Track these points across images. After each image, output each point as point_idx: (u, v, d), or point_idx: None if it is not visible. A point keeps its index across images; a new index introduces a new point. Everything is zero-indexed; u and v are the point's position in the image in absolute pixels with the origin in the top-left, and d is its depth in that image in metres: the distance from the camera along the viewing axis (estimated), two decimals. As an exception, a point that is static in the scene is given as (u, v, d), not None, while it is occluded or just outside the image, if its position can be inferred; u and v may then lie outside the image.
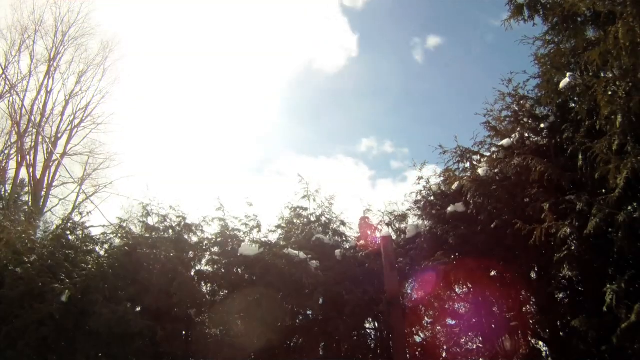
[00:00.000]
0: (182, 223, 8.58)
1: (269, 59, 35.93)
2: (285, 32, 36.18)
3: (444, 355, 7.87)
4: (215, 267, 8.36)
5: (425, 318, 8.17)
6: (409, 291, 8.36)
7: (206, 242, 8.54)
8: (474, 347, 7.75)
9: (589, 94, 5.73)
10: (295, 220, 9.28)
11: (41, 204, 18.25)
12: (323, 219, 9.26)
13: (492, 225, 6.60)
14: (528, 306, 7.61)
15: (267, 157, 36.02)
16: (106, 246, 8.70)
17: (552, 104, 6.97)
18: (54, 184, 19.25)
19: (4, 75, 19.32)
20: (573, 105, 6.66)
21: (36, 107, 19.83)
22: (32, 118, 19.44)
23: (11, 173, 18.85)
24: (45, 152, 19.37)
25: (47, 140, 19.44)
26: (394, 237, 8.18)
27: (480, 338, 7.62)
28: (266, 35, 34.81)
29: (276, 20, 34.85)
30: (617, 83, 5.34)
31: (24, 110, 19.28)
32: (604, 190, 5.80)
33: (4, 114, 19.31)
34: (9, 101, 19.29)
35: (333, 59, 34.66)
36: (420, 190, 8.51)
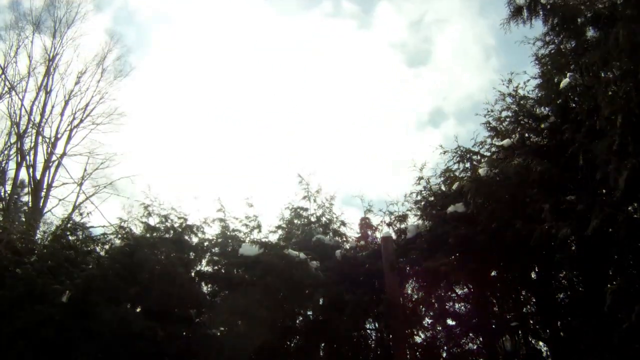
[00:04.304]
0: (184, 224, 8.58)
1: (271, 55, 35.91)
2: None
3: (444, 355, 7.87)
4: (216, 267, 8.36)
5: (426, 318, 8.18)
6: (409, 291, 8.37)
7: (207, 242, 8.54)
8: (474, 347, 7.76)
9: (590, 95, 5.75)
10: (295, 221, 9.29)
11: (41, 204, 18.24)
12: (323, 219, 9.27)
13: (493, 226, 6.60)
14: (528, 306, 7.62)
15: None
16: (107, 247, 8.71)
17: (553, 104, 6.98)
18: (53, 185, 19.25)
19: (3, 76, 19.37)
20: (573, 105, 6.67)
21: (35, 107, 19.87)
22: (32, 118, 19.47)
23: (11, 173, 18.88)
24: (45, 153, 19.38)
25: (47, 141, 19.45)
26: (394, 238, 8.18)
27: (481, 338, 7.63)
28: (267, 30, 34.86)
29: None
30: (618, 84, 5.34)
31: (23, 110, 19.30)
32: (604, 191, 5.81)
33: (3, 115, 19.34)
34: (8, 101, 19.33)
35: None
36: (421, 191, 8.53)
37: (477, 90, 38.96)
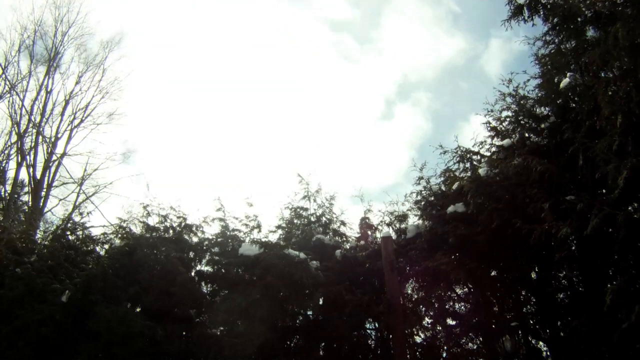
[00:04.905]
0: (183, 223, 8.58)
1: (271, 53, 35.85)
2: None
3: (444, 355, 7.87)
4: (216, 267, 8.35)
5: (426, 318, 8.18)
6: (409, 291, 8.38)
7: (206, 242, 8.54)
8: (474, 347, 7.76)
9: (590, 94, 5.75)
10: (295, 221, 9.29)
11: (41, 204, 18.23)
12: (323, 219, 9.27)
13: (492, 226, 6.60)
14: (528, 306, 7.62)
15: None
16: (106, 246, 8.71)
17: (553, 104, 6.99)
18: (54, 184, 19.23)
19: (3, 76, 19.35)
20: (573, 105, 6.67)
21: (36, 107, 19.83)
22: (32, 118, 19.44)
23: (11, 173, 18.84)
24: (45, 152, 19.36)
25: (47, 141, 19.43)
26: (394, 237, 8.18)
27: (480, 338, 7.63)
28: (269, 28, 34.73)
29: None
30: (618, 83, 5.34)
31: (23, 110, 19.30)
32: (604, 190, 5.81)
33: (3, 114, 19.36)
34: (8, 101, 19.29)
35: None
36: (421, 191, 8.54)
37: (450, 56, 37.06)
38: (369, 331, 8.23)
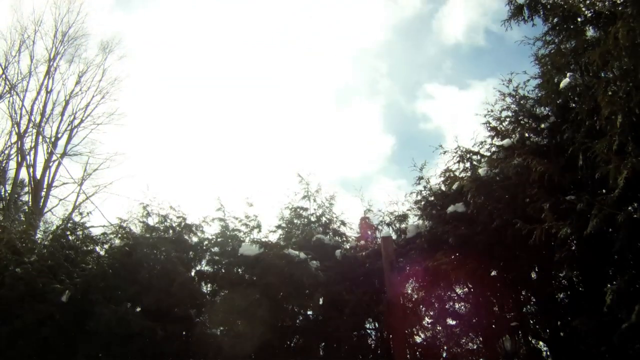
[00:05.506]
0: (183, 223, 8.60)
1: (272, 50, 35.74)
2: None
3: (444, 355, 7.88)
4: (216, 267, 8.37)
5: (426, 318, 8.18)
6: (409, 291, 8.37)
7: (206, 242, 8.55)
8: (474, 347, 7.76)
9: (590, 94, 5.74)
10: (295, 221, 9.30)
11: (41, 204, 18.22)
12: (323, 219, 9.28)
13: (493, 225, 6.60)
14: (528, 306, 7.63)
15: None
16: (106, 246, 8.73)
17: (553, 104, 6.98)
18: (54, 184, 19.22)
19: (3, 76, 19.33)
20: (573, 105, 6.67)
21: (36, 107, 19.82)
22: (32, 118, 19.42)
23: (11, 173, 18.84)
24: (45, 152, 19.35)
25: (47, 141, 19.42)
26: (394, 237, 8.19)
27: (481, 338, 7.63)
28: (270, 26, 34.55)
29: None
30: (618, 83, 5.34)
31: (24, 110, 19.28)
32: (604, 190, 5.80)
33: (4, 114, 19.33)
34: (9, 101, 19.28)
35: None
36: (421, 191, 8.54)
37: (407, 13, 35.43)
38: (369, 331, 8.24)
